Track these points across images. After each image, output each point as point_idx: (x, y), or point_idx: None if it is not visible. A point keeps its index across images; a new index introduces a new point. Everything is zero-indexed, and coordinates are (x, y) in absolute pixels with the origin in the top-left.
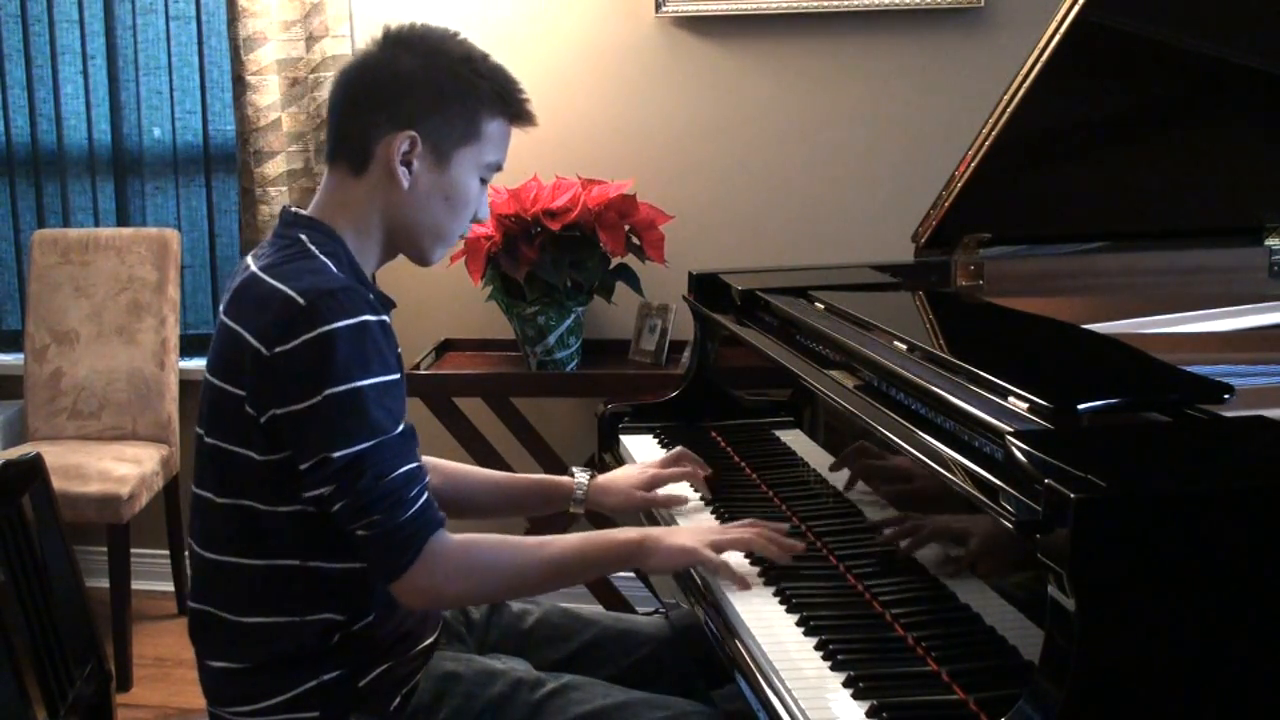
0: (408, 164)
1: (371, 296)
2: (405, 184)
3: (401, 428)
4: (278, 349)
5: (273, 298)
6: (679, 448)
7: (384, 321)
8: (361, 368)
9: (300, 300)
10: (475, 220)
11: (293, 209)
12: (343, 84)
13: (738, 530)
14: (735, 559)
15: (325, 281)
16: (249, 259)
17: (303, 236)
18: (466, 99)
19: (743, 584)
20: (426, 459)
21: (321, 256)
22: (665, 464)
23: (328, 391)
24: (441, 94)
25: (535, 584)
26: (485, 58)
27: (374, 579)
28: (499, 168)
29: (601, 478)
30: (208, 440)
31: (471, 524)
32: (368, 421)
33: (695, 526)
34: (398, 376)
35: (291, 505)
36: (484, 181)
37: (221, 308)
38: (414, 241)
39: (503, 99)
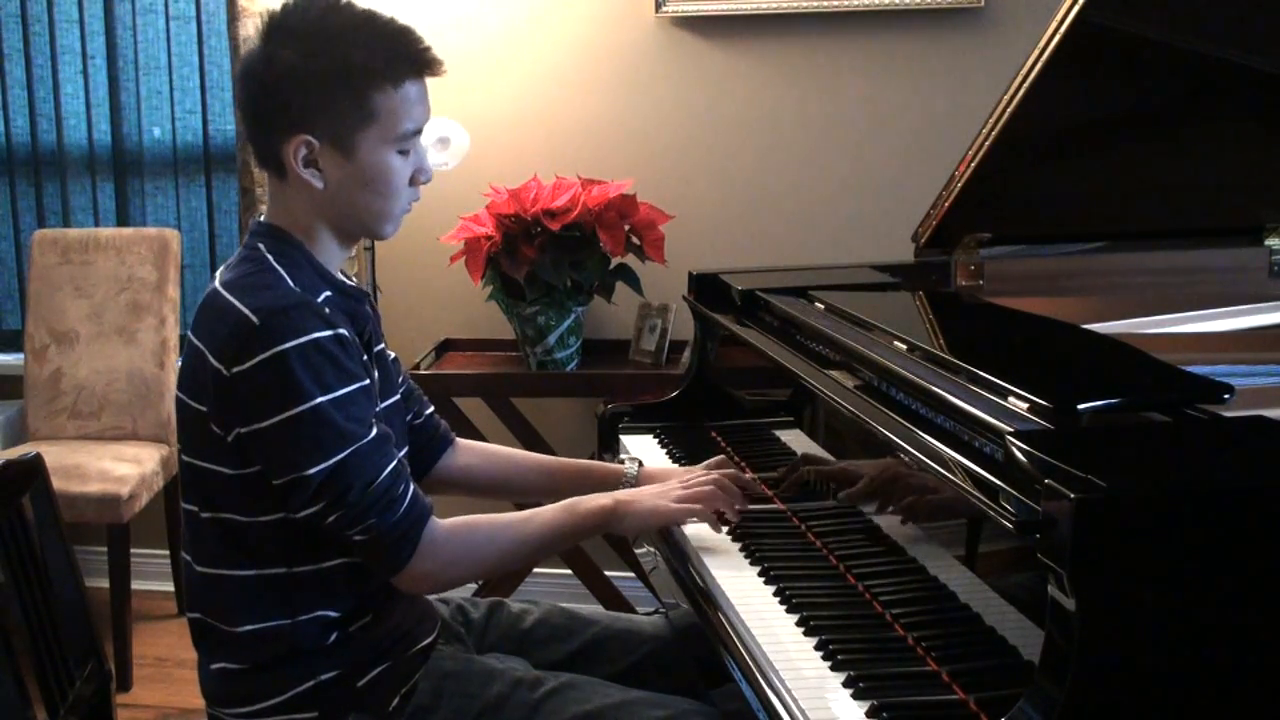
0: (313, 164)
1: (328, 310)
2: (319, 185)
3: (375, 430)
4: (235, 369)
5: (228, 315)
6: (720, 457)
7: (340, 335)
8: (319, 385)
9: (254, 319)
10: (421, 183)
11: (259, 218)
12: (238, 90)
13: (698, 487)
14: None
15: (278, 299)
16: (217, 272)
17: (261, 246)
18: (349, 83)
19: (715, 525)
20: (469, 443)
21: (278, 268)
22: (712, 467)
23: (288, 412)
24: (323, 85)
25: (524, 557)
26: (367, 22)
27: (375, 575)
28: (417, 132)
29: (650, 468)
30: (184, 457)
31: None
32: (337, 433)
33: (659, 487)
34: (362, 384)
35: (272, 515)
36: (404, 152)
37: (190, 324)
38: (358, 227)
39: (393, 65)
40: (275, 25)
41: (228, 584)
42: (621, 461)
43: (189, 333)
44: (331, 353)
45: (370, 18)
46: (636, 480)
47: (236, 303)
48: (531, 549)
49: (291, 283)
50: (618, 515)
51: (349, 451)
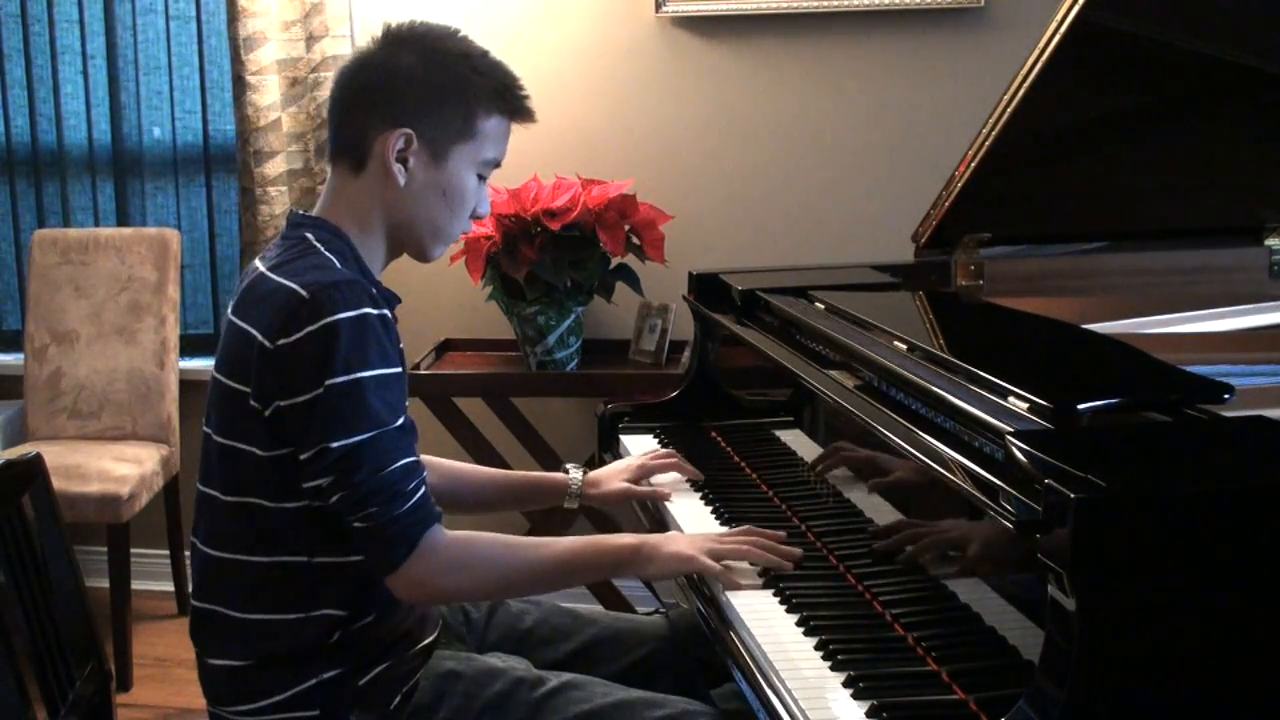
0: (403, 161)
1: (374, 290)
2: (401, 181)
3: (401, 421)
4: (281, 341)
5: (278, 293)
6: (667, 448)
7: (385, 315)
8: (362, 359)
9: (304, 293)
10: (475, 217)
11: (299, 211)
12: (341, 82)
13: (735, 540)
14: (740, 566)
15: (329, 275)
16: (257, 260)
17: (309, 235)
18: (462, 96)
19: (735, 587)
20: (423, 458)
21: (327, 253)
22: (653, 457)
23: (329, 382)
24: (437, 91)
25: (530, 584)
26: (484, 55)
27: (370, 571)
28: (497, 164)
29: (593, 472)
30: (216, 439)
31: (471, 521)
32: (367, 413)
33: (693, 534)
34: (398, 370)
35: (297, 501)
36: (482, 178)
37: (230, 308)
38: (414, 238)
39: (500, 96)
40: (398, 33)
41: (244, 569)
42: (566, 471)
43: (230, 316)
44: (377, 331)
45: (486, 52)
46: (581, 487)
47: (286, 281)
48: (539, 578)
49: (340, 265)
50: (642, 558)
51: (371, 434)
